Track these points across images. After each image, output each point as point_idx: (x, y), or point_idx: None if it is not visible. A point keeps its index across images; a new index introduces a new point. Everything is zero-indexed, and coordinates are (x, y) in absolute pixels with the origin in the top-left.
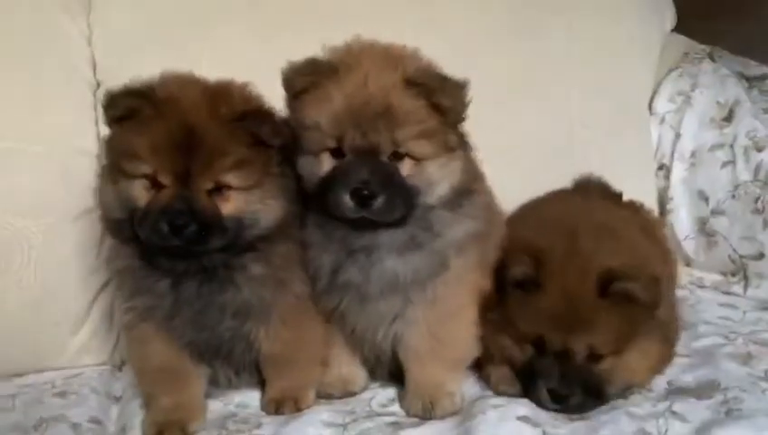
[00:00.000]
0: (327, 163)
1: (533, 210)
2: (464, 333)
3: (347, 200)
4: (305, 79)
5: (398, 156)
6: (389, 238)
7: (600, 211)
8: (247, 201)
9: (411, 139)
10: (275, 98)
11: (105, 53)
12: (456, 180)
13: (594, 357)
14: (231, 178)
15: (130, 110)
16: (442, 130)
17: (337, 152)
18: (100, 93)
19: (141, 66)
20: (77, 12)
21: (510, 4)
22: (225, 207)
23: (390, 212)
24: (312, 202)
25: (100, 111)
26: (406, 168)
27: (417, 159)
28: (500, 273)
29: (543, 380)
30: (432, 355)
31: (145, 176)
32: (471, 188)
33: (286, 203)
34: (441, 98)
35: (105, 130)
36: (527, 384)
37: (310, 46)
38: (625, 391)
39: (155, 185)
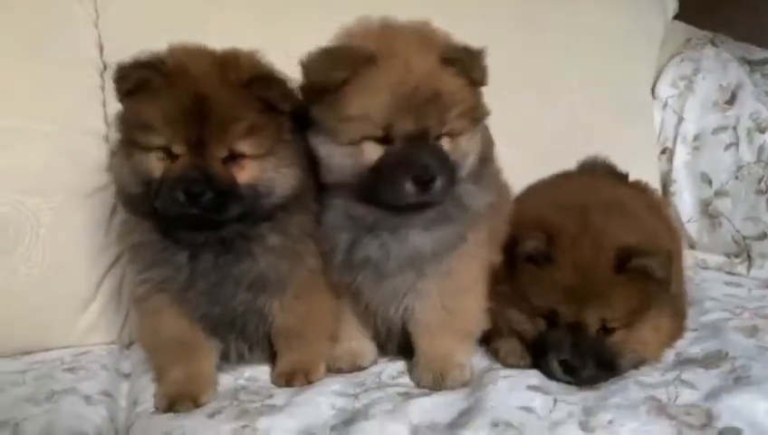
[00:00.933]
0: (373, 152)
1: (542, 189)
2: (474, 306)
3: (408, 187)
4: (344, 70)
5: (440, 136)
6: (422, 216)
7: (609, 189)
8: (262, 169)
9: (455, 118)
10: None
11: (112, 35)
12: (480, 150)
13: (606, 330)
14: (244, 146)
15: (141, 81)
16: (473, 101)
17: (384, 140)
18: (107, 75)
19: (148, 48)
20: None
21: None
22: (240, 175)
23: (445, 192)
24: (338, 188)
25: (108, 92)
26: (446, 146)
27: (454, 135)
28: (511, 248)
29: (555, 352)
30: (443, 327)
31: (159, 147)
32: (488, 156)
33: (301, 171)
34: (475, 72)
35: (112, 112)
36: (538, 357)
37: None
38: (637, 365)
39: (169, 156)
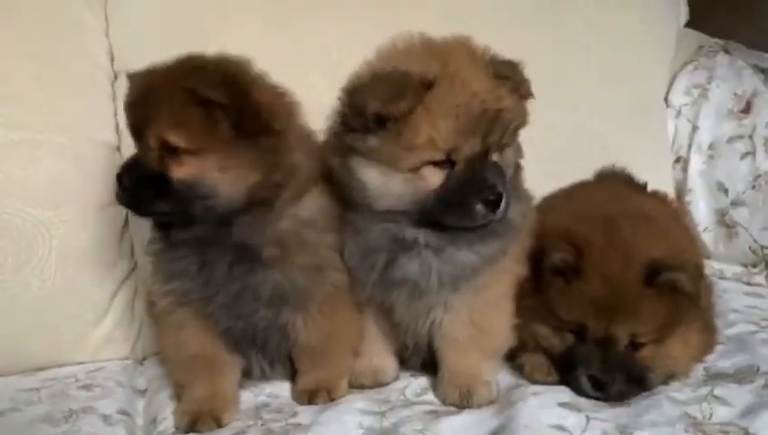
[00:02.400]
0: (435, 176)
1: (564, 199)
2: (503, 323)
3: (479, 208)
4: (412, 99)
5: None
6: (469, 234)
7: (634, 200)
8: (201, 167)
9: (513, 132)
10: (295, 84)
11: (123, 44)
12: (517, 158)
13: (635, 345)
14: (174, 138)
15: (128, 84)
16: (524, 115)
17: (445, 163)
18: (119, 84)
19: (159, 57)
20: (94, 3)
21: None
22: (176, 170)
23: (507, 210)
24: (388, 213)
25: (119, 101)
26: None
27: (502, 149)
28: (538, 260)
29: (584, 367)
30: (470, 344)
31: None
32: (519, 164)
33: (258, 176)
34: (523, 86)
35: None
36: (566, 373)
37: (326, 33)
38: (667, 380)
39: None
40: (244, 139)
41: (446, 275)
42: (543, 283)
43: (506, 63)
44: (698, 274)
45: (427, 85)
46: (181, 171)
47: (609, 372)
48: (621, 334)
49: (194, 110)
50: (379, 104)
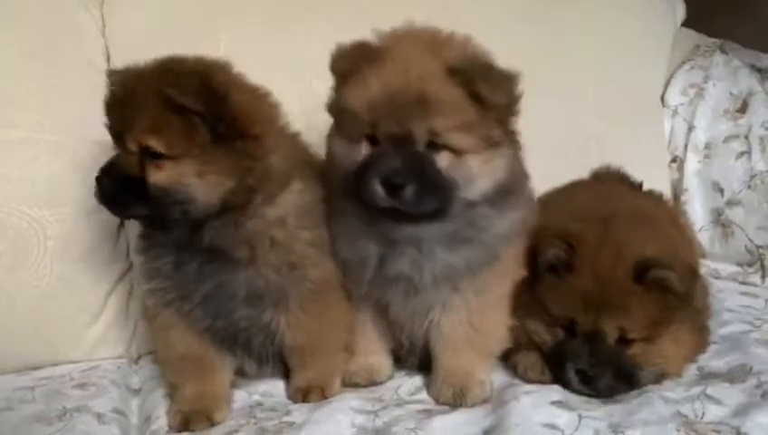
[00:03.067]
0: (364, 150)
1: (559, 198)
2: (500, 324)
3: (378, 189)
4: (348, 63)
5: (435, 147)
6: (432, 232)
7: (629, 200)
8: (179, 172)
9: (449, 129)
10: (291, 85)
11: (119, 43)
12: (499, 178)
13: (625, 341)
14: (154, 143)
15: (108, 84)
16: (484, 122)
17: (373, 139)
18: None
19: (155, 56)
20: (91, 3)
21: None
22: (154, 174)
23: (422, 203)
24: (347, 190)
25: None
26: (444, 160)
27: (457, 153)
28: (532, 257)
29: (572, 361)
30: (466, 344)
31: None
32: (516, 186)
33: (232, 181)
34: (482, 88)
35: None
36: (557, 368)
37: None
38: (658, 379)
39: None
40: (221, 144)
41: (439, 272)
42: (537, 279)
43: (472, 62)
44: (690, 273)
45: (370, 57)
46: (159, 176)
47: (598, 367)
48: (609, 329)
49: (171, 116)
50: (330, 65)
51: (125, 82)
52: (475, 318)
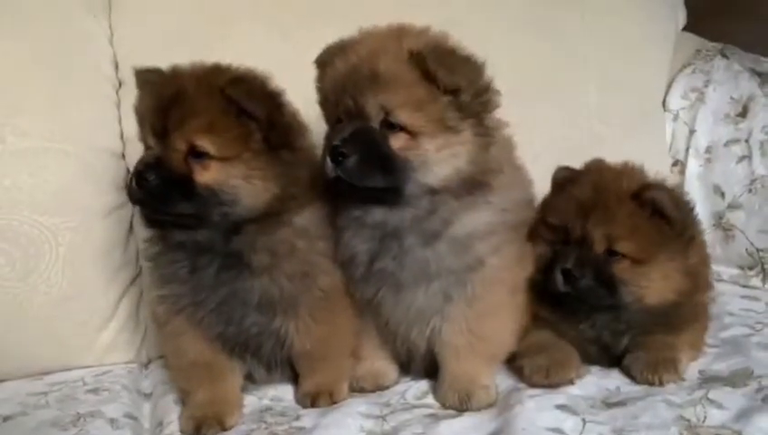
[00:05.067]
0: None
1: None
2: (501, 330)
3: (327, 160)
4: (324, 54)
5: (392, 127)
6: (398, 218)
7: None
8: (227, 174)
9: (400, 106)
10: (297, 93)
11: (127, 52)
12: (460, 166)
13: (614, 254)
14: (205, 143)
15: (144, 81)
16: (438, 104)
17: (339, 120)
18: (123, 92)
19: (163, 65)
20: (99, 12)
21: (526, 4)
22: (202, 174)
23: (364, 175)
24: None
25: (124, 109)
26: (399, 140)
27: (413, 134)
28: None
29: (560, 263)
30: (470, 351)
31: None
32: (483, 180)
33: (277, 188)
34: (435, 67)
35: (128, 129)
36: (547, 274)
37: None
38: (638, 302)
39: (147, 148)
40: (270, 152)
41: (417, 269)
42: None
43: (433, 45)
44: (684, 205)
45: (338, 49)
46: (206, 176)
47: (581, 268)
48: (597, 235)
49: (228, 118)
50: (316, 58)
51: (174, 81)
52: (474, 326)
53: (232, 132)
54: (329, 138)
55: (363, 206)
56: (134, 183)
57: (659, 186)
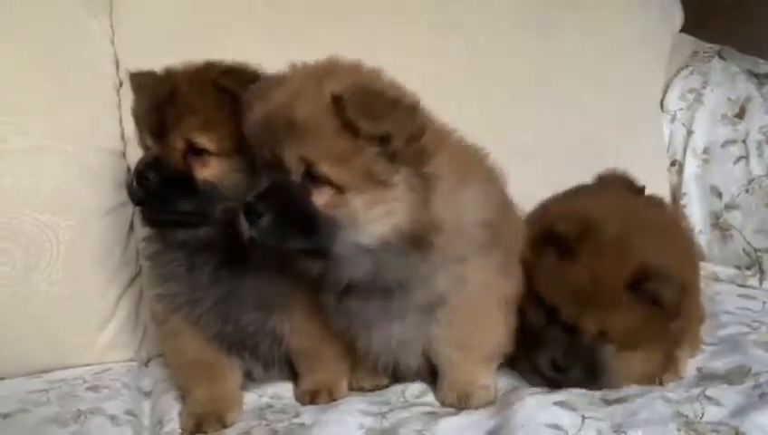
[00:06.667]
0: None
1: (577, 194)
2: (495, 332)
3: (241, 218)
4: (251, 92)
5: (315, 181)
6: (346, 274)
7: (642, 206)
8: (227, 168)
9: (322, 159)
10: None
11: (128, 52)
12: (398, 224)
13: (602, 340)
14: (203, 140)
15: (140, 84)
16: (363, 156)
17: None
18: (124, 92)
19: (164, 64)
20: (100, 11)
21: (523, 5)
22: (201, 171)
23: (282, 236)
24: None
25: (124, 109)
26: (323, 195)
27: (339, 189)
28: (546, 228)
29: (548, 348)
30: (464, 359)
31: (144, 145)
32: (427, 238)
33: None
34: (354, 115)
35: (129, 128)
36: (530, 347)
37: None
38: (614, 386)
39: (146, 149)
40: None
41: (379, 313)
42: (540, 253)
43: (358, 90)
44: (682, 291)
45: (269, 84)
46: (206, 172)
47: (571, 359)
48: (590, 327)
49: (225, 113)
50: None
51: (169, 81)
52: (463, 341)
53: (229, 126)
54: (248, 189)
55: (301, 259)
56: (135, 183)
57: (660, 273)
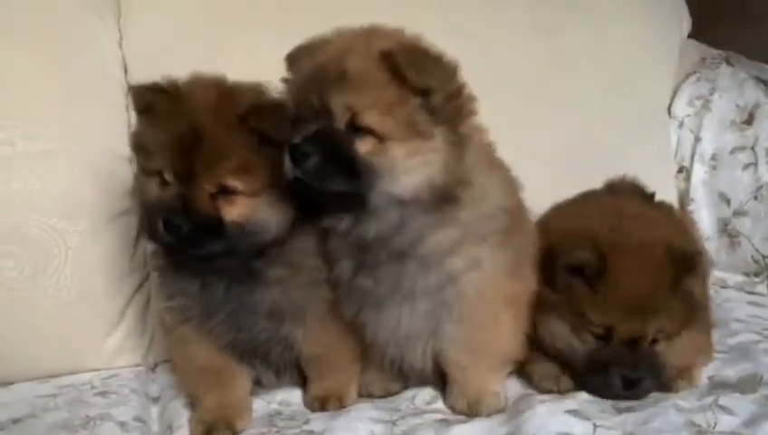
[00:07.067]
0: None
1: (576, 208)
2: (505, 341)
3: (286, 160)
4: (292, 52)
5: (359, 130)
6: (367, 229)
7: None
8: (255, 207)
9: (367, 108)
10: None
11: (136, 56)
12: (432, 175)
13: (656, 342)
14: (236, 183)
15: (148, 104)
16: (407, 106)
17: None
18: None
19: (172, 69)
20: (108, 15)
21: (531, 9)
22: (229, 211)
23: (325, 177)
24: None
25: (133, 114)
26: (365, 145)
27: (381, 139)
28: (552, 260)
29: (617, 367)
30: (474, 364)
31: (156, 172)
32: (455, 193)
33: (295, 205)
34: (405, 67)
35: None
36: (590, 374)
37: None
38: (675, 377)
39: (162, 182)
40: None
41: (389, 285)
42: (560, 283)
43: (404, 46)
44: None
45: (309, 49)
46: (234, 212)
47: (639, 371)
48: (651, 332)
49: (256, 153)
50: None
51: (185, 114)
52: (472, 343)
53: (261, 166)
54: (291, 139)
55: (331, 214)
56: (161, 227)
57: (691, 263)
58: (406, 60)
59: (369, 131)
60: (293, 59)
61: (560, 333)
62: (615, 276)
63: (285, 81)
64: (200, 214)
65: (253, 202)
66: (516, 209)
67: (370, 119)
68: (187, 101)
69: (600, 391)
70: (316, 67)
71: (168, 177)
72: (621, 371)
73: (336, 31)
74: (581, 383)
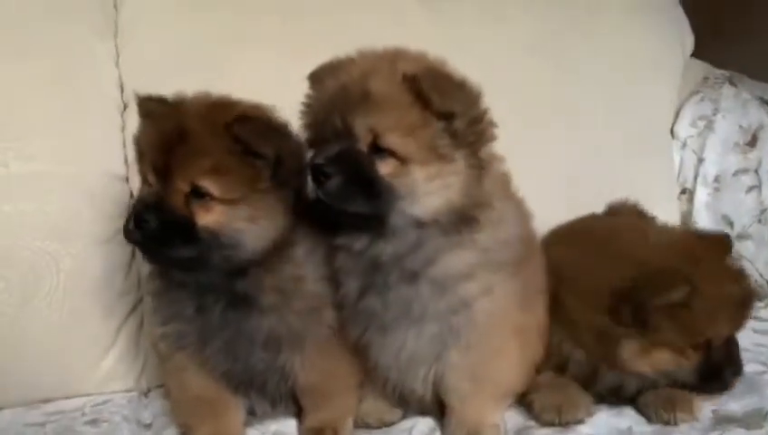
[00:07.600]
0: None
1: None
2: (508, 372)
3: (308, 180)
4: (316, 72)
5: (380, 152)
6: (382, 249)
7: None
8: (230, 217)
9: (390, 130)
10: None
11: (132, 74)
12: (452, 198)
13: None
14: (209, 185)
15: (149, 111)
16: (429, 129)
17: (321, 140)
18: (128, 115)
19: (169, 88)
20: (104, 34)
21: (533, 27)
22: (203, 216)
23: (347, 198)
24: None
25: (128, 132)
26: (388, 165)
27: (402, 161)
28: (642, 302)
29: (731, 365)
30: (475, 394)
31: (144, 173)
32: (473, 215)
33: (280, 224)
34: (428, 91)
35: (133, 153)
36: (710, 379)
37: None
38: None
39: (147, 183)
40: (277, 189)
41: (398, 308)
42: (654, 321)
43: (428, 70)
44: None
45: (331, 68)
46: (208, 218)
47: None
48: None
49: (236, 159)
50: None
51: (176, 118)
52: (476, 372)
53: (238, 173)
54: (312, 159)
55: (348, 233)
56: (132, 224)
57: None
58: (430, 84)
59: (391, 153)
60: (316, 78)
61: (662, 360)
62: (700, 298)
63: (307, 100)
64: (172, 212)
65: (228, 211)
66: (529, 239)
67: (393, 140)
68: (182, 108)
69: (717, 389)
70: (339, 87)
71: (151, 177)
72: (735, 367)
73: (359, 51)
74: (697, 389)
